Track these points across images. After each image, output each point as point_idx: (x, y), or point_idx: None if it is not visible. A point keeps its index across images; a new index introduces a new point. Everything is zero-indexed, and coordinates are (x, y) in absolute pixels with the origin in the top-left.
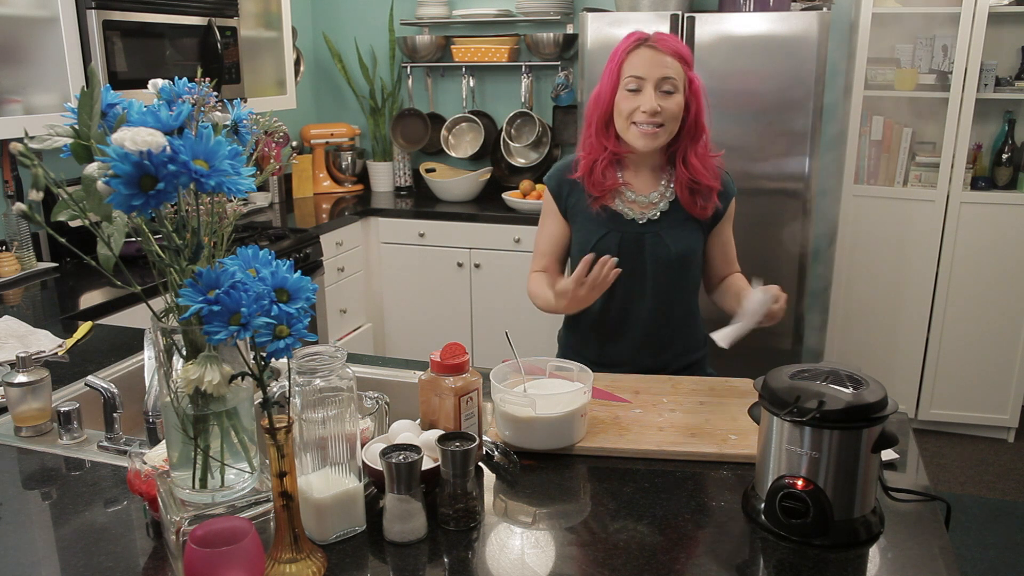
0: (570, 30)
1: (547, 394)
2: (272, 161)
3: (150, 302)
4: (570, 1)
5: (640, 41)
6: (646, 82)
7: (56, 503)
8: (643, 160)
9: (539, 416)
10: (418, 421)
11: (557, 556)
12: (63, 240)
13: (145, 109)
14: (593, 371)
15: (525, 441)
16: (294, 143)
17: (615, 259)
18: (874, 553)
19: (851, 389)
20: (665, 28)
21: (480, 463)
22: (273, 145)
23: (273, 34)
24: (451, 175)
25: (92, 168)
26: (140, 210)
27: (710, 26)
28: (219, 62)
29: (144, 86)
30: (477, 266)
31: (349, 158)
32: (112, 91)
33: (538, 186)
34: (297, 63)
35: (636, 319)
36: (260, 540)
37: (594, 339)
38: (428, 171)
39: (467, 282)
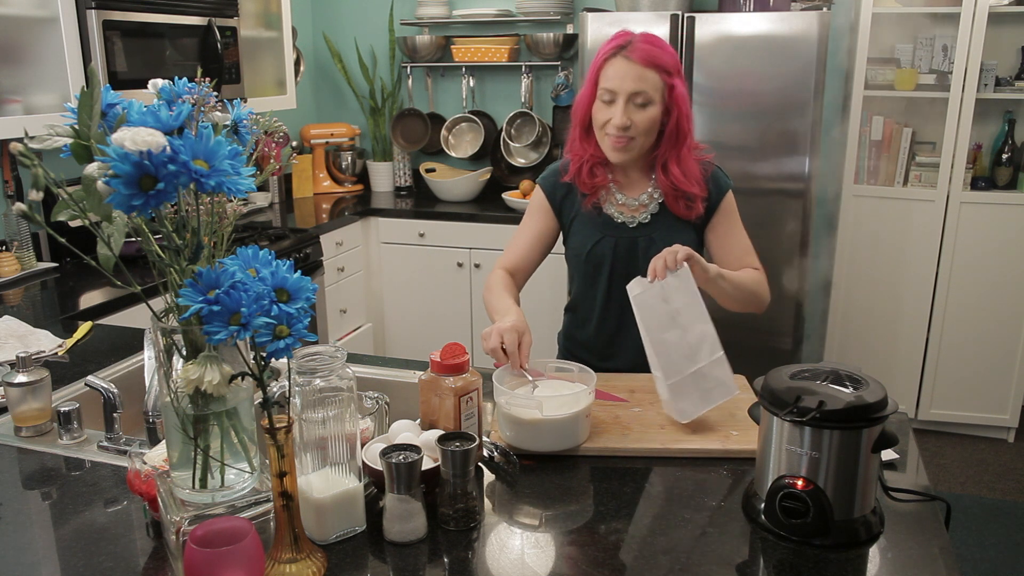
0: (570, 30)
1: (553, 395)
2: (272, 161)
3: (150, 302)
4: (570, 1)
5: (617, 49)
6: (618, 95)
7: (56, 503)
8: (625, 164)
9: (546, 418)
10: (418, 421)
11: (557, 556)
12: (63, 240)
13: (145, 109)
14: None
15: (531, 443)
16: (294, 143)
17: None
18: (874, 553)
19: (851, 389)
20: (665, 28)
21: (480, 464)
22: (273, 145)
23: (273, 34)
24: (451, 175)
25: (92, 168)
26: (140, 210)
27: (710, 26)
28: (219, 62)
29: (144, 86)
30: (477, 266)
31: (349, 158)
32: (112, 91)
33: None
34: (297, 63)
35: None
36: (260, 540)
37: (593, 348)
38: (428, 171)
39: (467, 282)
